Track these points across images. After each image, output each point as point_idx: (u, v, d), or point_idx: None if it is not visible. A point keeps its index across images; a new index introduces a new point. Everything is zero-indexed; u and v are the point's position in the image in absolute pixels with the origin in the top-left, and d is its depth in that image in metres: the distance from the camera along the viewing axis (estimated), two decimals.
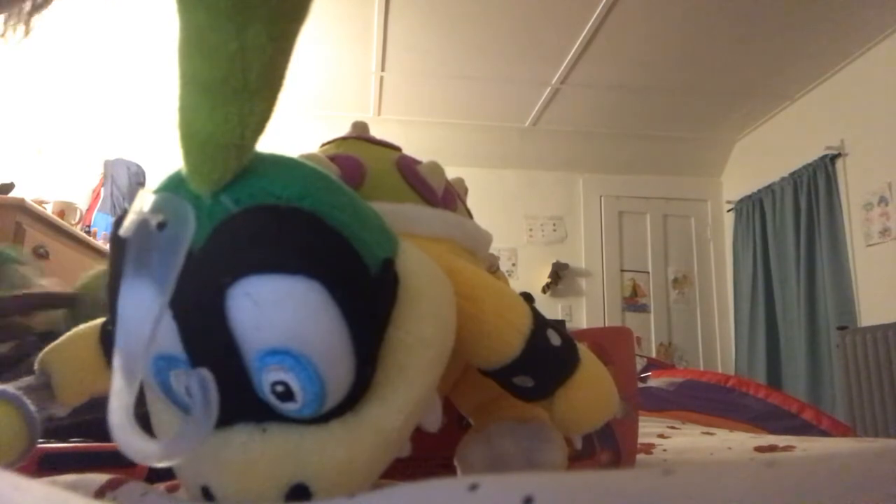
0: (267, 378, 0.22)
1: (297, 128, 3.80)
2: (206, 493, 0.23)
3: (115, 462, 0.39)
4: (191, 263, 0.21)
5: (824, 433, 1.36)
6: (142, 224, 0.21)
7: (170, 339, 0.22)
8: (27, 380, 0.32)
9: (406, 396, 0.24)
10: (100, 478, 0.29)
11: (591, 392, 0.32)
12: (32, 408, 0.28)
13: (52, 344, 0.34)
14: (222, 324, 0.21)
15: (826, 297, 3.21)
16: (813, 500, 0.13)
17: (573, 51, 3.02)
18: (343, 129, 0.50)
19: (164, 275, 0.20)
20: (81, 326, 0.36)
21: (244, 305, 0.21)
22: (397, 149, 0.46)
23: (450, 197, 0.43)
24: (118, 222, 0.22)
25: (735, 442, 0.72)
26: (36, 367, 0.34)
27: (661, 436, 0.86)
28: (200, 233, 0.21)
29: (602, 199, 4.33)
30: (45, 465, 0.35)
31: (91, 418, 0.31)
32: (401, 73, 3.26)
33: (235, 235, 0.21)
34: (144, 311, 0.20)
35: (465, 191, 0.53)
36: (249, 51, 0.19)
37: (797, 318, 3.40)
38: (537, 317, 0.32)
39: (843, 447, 0.68)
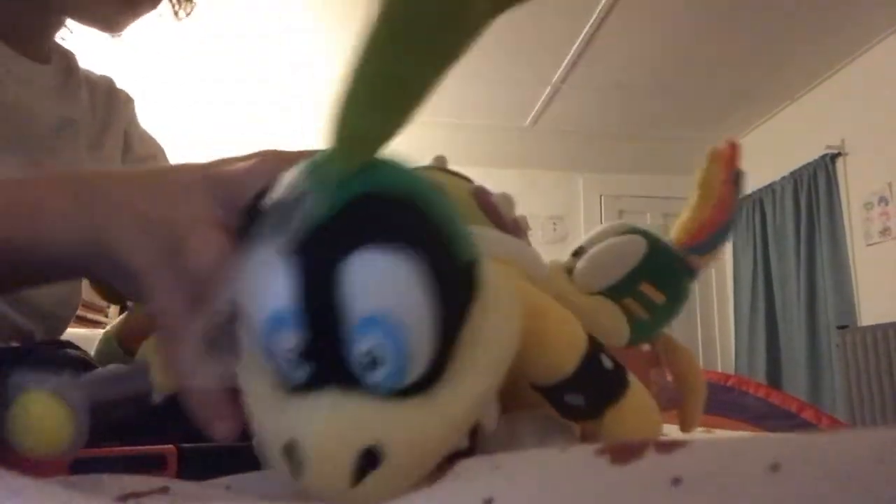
0: (359, 347, 0.24)
1: (298, 128, 3.81)
2: (289, 449, 0.26)
3: (144, 465, 0.40)
4: (313, 236, 0.25)
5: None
6: (280, 199, 0.25)
7: (283, 302, 0.25)
8: (121, 367, 0.33)
9: (473, 389, 0.27)
10: (124, 484, 0.28)
11: (639, 415, 0.35)
12: (78, 398, 0.28)
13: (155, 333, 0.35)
14: (332, 292, 0.24)
15: (826, 297, 3.22)
16: None
17: (573, 50, 3.02)
18: None
19: (288, 244, 0.25)
20: None
21: (354, 275, 0.24)
22: (470, 180, 0.50)
23: (516, 226, 0.48)
24: (259, 197, 0.27)
25: None
26: (137, 354, 0.35)
27: (661, 434, 0.86)
28: (325, 210, 0.25)
29: (602, 198, 4.34)
30: (77, 470, 0.35)
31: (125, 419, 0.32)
32: None
33: (355, 215, 0.25)
34: (263, 274, 0.25)
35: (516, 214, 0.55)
36: (418, 77, 0.23)
37: (797, 318, 3.40)
38: (592, 340, 0.35)
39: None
